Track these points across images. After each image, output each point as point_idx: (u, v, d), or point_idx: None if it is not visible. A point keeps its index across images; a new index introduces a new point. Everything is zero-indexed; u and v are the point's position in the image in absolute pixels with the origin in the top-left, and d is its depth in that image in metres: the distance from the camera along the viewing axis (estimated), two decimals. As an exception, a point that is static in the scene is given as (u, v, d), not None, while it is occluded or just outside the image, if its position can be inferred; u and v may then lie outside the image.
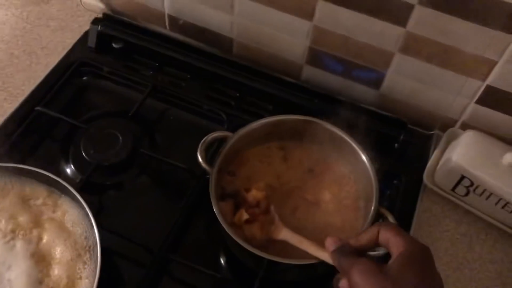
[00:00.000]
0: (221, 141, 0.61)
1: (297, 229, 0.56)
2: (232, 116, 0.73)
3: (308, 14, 0.70)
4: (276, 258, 0.52)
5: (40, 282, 0.54)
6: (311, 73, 0.78)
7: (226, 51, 0.82)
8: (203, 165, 0.58)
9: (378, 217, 0.55)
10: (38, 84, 0.76)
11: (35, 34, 0.84)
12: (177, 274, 0.62)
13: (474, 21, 0.59)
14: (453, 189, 0.69)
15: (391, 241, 0.44)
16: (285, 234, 0.55)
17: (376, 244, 0.46)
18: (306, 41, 0.74)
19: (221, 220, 0.54)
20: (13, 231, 0.57)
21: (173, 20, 0.83)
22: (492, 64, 0.63)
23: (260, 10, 0.72)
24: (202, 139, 0.60)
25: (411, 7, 0.61)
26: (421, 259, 0.42)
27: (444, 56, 0.65)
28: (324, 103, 0.74)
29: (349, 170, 0.62)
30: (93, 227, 0.55)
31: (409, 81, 0.71)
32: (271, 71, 0.79)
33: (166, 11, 0.82)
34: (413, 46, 0.66)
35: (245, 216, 0.56)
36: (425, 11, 0.61)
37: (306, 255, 0.52)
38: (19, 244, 0.56)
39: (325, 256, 0.49)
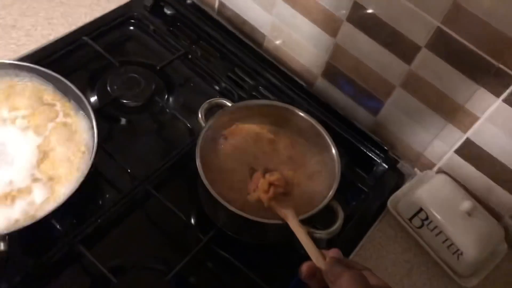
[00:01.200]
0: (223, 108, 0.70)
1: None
2: (241, 98, 0.82)
3: (333, 31, 0.79)
4: (245, 214, 0.59)
5: (39, 166, 0.64)
6: (323, 85, 0.87)
7: (257, 44, 0.92)
8: (201, 121, 0.68)
9: (328, 209, 0.63)
10: (92, 21, 0.87)
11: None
12: (149, 210, 0.70)
13: (467, 75, 0.67)
14: (410, 219, 0.75)
15: None
16: (290, 216, 0.59)
17: None
18: (325, 55, 0.83)
19: (201, 172, 0.62)
20: (28, 121, 0.67)
21: (222, 5, 0.93)
22: (474, 118, 0.71)
23: (294, 16, 0.82)
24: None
25: (418, 48, 0.70)
26: None
27: (436, 100, 0.73)
28: (326, 112, 0.83)
29: (321, 167, 0.70)
30: (94, 138, 0.65)
31: (403, 115, 0.79)
32: (290, 71, 0.88)
33: (219, -4, 0.93)
34: (412, 84, 0.74)
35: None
36: (428, 54, 0.69)
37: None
38: (30, 134, 0.66)
39: (314, 254, 0.50)
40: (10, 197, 0.61)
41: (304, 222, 0.58)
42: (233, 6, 0.92)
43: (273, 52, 0.91)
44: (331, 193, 0.63)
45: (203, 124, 0.67)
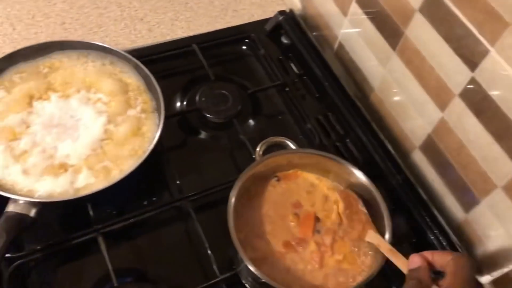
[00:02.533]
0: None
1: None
2: (323, 145, 0.76)
3: (442, 103, 0.68)
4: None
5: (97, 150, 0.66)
6: (418, 158, 0.76)
7: (363, 96, 0.84)
8: (256, 154, 0.64)
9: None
10: (209, 31, 0.89)
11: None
12: (180, 227, 0.68)
13: None
14: None
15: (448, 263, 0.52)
16: (373, 236, 0.59)
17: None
18: (429, 127, 0.72)
19: (230, 210, 0.58)
20: (107, 107, 0.70)
21: (341, 47, 0.88)
22: None
23: (406, 76, 0.73)
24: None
25: (534, 151, 0.57)
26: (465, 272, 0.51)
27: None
28: (409, 192, 0.73)
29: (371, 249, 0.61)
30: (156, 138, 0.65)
31: (498, 222, 0.65)
32: (386, 134, 0.79)
33: (339, 38, 0.88)
34: (518, 191, 0.61)
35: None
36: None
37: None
38: (103, 119, 0.69)
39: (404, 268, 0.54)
40: (61, 169, 0.64)
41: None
42: (351, 50, 0.86)
43: (376, 108, 0.82)
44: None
45: (257, 158, 0.63)
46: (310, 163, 0.64)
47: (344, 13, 0.85)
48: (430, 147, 0.73)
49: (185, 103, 0.81)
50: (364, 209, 0.62)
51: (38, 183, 0.62)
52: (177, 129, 0.78)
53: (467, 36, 0.61)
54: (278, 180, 0.64)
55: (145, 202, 0.70)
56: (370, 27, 0.79)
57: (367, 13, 0.79)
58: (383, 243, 0.58)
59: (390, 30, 0.74)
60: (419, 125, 0.74)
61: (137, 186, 0.70)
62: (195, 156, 0.75)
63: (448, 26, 0.64)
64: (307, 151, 0.65)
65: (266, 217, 0.61)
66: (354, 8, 0.82)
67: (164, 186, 0.71)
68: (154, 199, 0.70)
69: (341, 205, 0.62)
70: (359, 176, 0.62)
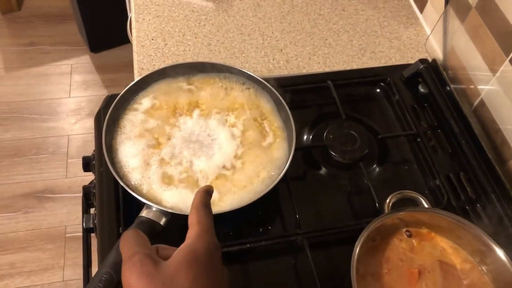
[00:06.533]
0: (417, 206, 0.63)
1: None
2: (450, 205, 0.72)
3: None
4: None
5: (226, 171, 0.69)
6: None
7: (501, 161, 0.79)
8: (385, 206, 0.62)
9: None
10: (345, 70, 0.90)
11: (381, 40, 0.97)
12: (290, 262, 0.68)
13: None
14: None
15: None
16: None
17: None
18: None
19: (354, 257, 0.57)
20: (242, 132, 0.73)
21: (481, 104, 0.83)
22: None
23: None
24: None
25: None
26: (203, 257, 0.42)
27: None
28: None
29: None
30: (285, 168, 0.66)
31: None
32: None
33: (482, 95, 0.83)
34: None
35: None
36: None
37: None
38: (236, 142, 0.72)
39: None
40: (195, 184, 0.67)
41: None
42: (493, 110, 0.81)
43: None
44: None
45: (386, 210, 0.61)
46: (441, 225, 0.61)
47: (493, 70, 0.80)
48: None
49: (311, 137, 0.81)
50: None
51: (167, 193, 0.66)
52: (300, 161, 0.78)
53: None
54: (409, 236, 0.62)
55: (261, 229, 0.71)
56: (522, 90, 0.74)
57: (521, 74, 0.74)
58: None
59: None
60: None
61: (256, 211, 0.72)
62: (313, 192, 0.75)
63: None
64: (444, 214, 0.61)
65: (391, 273, 0.59)
66: (507, 66, 0.77)
67: (280, 216, 0.72)
68: (269, 227, 0.71)
69: None
70: (500, 255, 0.57)
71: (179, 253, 0.42)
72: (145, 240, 0.45)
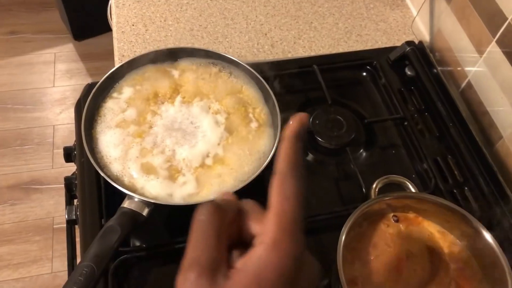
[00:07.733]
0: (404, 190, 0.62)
1: None
2: (437, 189, 0.71)
3: None
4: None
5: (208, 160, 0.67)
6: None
7: (489, 143, 0.78)
8: (372, 191, 0.61)
9: None
10: (331, 54, 0.88)
11: (367, 23, 0.95)
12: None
13: None
14: None
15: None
16: None
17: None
18: None
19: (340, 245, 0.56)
20: (225, 119, 0.71)
21: (469, 86, 0.83)
22: None
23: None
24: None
25: None
26: (277, 284, 0.30)
27: None
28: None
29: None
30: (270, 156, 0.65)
31: None
32: None
33: (469, 77, 0.82)
34: None
35: None
36: None
37: None
38: (220, 130, 0.70)
39: None
40: (177, 173, 0.66)
41: None
42: (480, 92, 0.81)
43: (502, 159, 0.76)
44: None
45: (372, 195, 0.60)
46: (428, 210, 0.60)
47: (480, 51, 0.79)
48: None
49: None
50: None
51: (150, 183, 0.64)
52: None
53: None
54: (396, 221, 0.61)
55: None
56: (508, 70, 0.73)
57: (507, 54, 0.73)
58: None
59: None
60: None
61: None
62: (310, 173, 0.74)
63: None
64: (431, 198, 0.60)
65: (380, 257, 0.58)
66: (493, 47, 0.76)
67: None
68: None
69: None
70: (487, 238, 0.57)
71: (241, 274, 0.32)
72: (217, 237, 0.34)
